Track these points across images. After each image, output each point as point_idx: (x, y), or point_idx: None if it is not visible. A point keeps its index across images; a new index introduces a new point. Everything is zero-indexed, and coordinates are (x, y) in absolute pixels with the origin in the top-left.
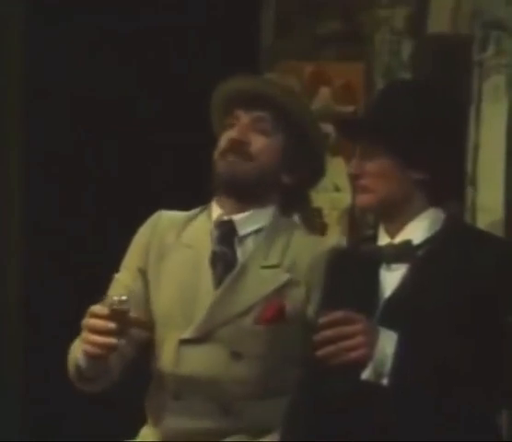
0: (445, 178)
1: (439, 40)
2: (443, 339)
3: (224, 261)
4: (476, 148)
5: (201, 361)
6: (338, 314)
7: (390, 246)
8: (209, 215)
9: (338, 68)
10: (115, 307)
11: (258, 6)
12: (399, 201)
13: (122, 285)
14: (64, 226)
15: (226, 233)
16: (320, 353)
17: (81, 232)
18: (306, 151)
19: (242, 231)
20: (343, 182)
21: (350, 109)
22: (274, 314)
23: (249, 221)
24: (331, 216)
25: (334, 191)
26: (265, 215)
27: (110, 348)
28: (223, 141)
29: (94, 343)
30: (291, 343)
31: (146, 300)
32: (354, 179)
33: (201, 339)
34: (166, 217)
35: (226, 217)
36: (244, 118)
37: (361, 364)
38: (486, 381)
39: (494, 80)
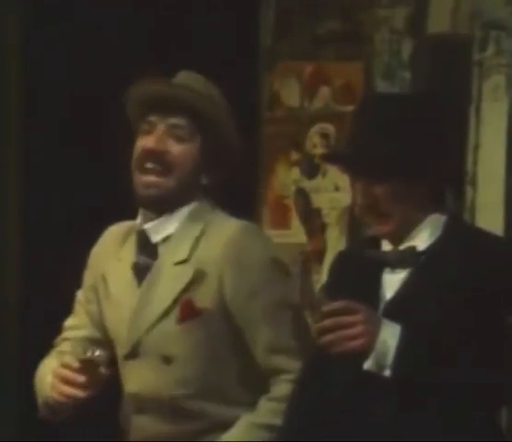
0: (443, 181)
1: (439, 40)
2: (444, 340)
3: (145, 270)
4: (476, 148)
5: (141, 372)
6: (339, 303)
7: (395, 252)
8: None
9: (338, 68)
10: (86, 357)
11: (258, 7)
12: (414, 216)
13: (82, 308)
14: (63, 226)
15: (143, 242)
16: (321, 341)
17: (81, 232)
18: (223, 150)
19: (155, 238)
20: (343, 182)
21: (350, 108)
22: (185, 311)
23: (160, 227)
24: (331, 216)
25: (334, 191)
26: (176, 217)
27: (78, 400)
28: (139, 149)
29: (62, 393)
30: (223, 338)
31: (102, 318)
32: (365, 210)
33: (135, 352)
34: (114, 231)
35: (141, 227)
36: (160, 125)
37: (361, 353)
38: (487, 381)
39: (494, 80)
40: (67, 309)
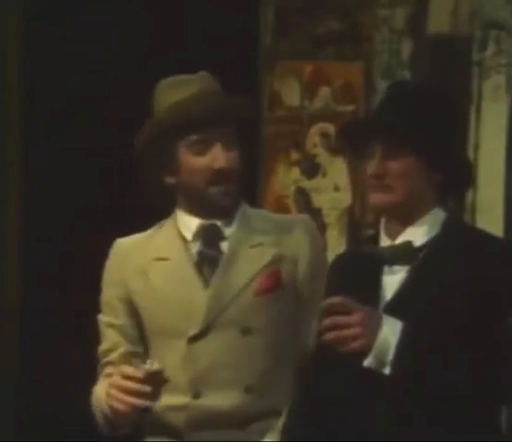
0: (454, 177)
1: (439, 40)
2: (443, 339)
3: (211, 261)
4: (476, 148)
5: (215, 348)
6: (335, 299)
7: (391, 247)
8: (174, 227)
9: (338, 68)
10: (151, 370)
11: (257, 7)
12: (415, 201)
13: (112, 328)
14: (63, 226)
15: (211, 236)
16: (322, 339)
17: (80, 235)
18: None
19: (227, 232)
20: (343, 182)
21: (350, 108)
22: (272, 281)
23: (228, 224)
24: (331, 216)
25: (334, 191)
26: (238, 216)
27: (144, 410)
28: (202, 168)
29: (127, 404)
30: (291, 316)
31: (136, 326)
32: (375, 178)
33: (209, 330)
34: (125, 243)
35: (208, 222)
36: (216, 141)
37: (360, 353)
38: (487, 381)
39: (494, 80)
40: (67, 309)
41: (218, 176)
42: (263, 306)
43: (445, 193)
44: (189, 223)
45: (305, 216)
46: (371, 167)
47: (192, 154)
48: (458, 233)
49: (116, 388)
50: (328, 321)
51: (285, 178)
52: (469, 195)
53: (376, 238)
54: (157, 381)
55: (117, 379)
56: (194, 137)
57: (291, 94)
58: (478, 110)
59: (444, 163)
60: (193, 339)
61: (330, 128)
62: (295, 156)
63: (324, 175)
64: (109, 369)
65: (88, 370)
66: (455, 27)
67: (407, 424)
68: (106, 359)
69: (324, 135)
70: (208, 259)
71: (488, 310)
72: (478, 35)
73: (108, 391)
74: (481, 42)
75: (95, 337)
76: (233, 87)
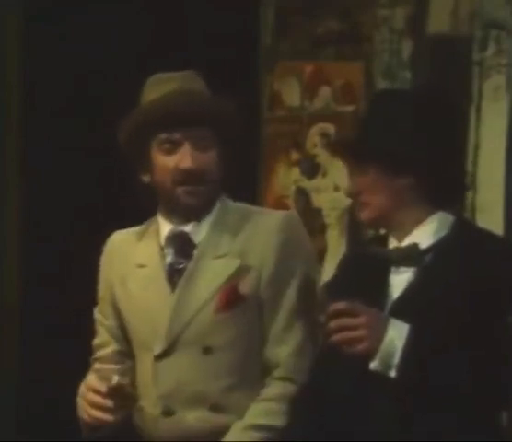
0: (443, 179)
1: (439, 40)
2: (449, 340)
3: (181, 270)
4: (476, 148)
5: (179, 367)
6: (340, 305)
7: (397, 249)
8: (156, 231)
9: (338, 68)
10: (113, 385)
11: (257, 7)
12: (395, 208)
13: (102, 326)
14: (63, 226)
15: (181, 244)
16: (329, 341)
17: (80, 235)
18: (232, 147)
19: (197, 239)
20: (343, 182)
21: (350, 108)
22: (231, 297)
23: (199, 229)
24: (331, 216)
25: (334, 192)
26: (210, 217)
27: (108, 422)
28: (169, 168)
29: (92, 417)
30: (256, 329)
31: (122, 328)
32: (353, 197)
33: (172, 349)
34: (117, 241)
35: (177, 229)
36: (185, 141)
37: (365, 356)
38: (488, 380)
39: (495, 80)
40: (67, 309)
41: (185, 176)
42: (224, 323)
43: (439, 196)
44: (164, 227)
45: (283, 213)
46: (348, 187)
47: (162, 153)
48: (465, 235)
49: (82, 399)
50: (334, 323)
51: (285, 178)
52: (469, 195)
53: (384, 238)
54: (120, 396)
55: (84, 390)
56: (164, 136)
57: (291, 94)
58: (478, 110)
59: (414, 167)
60: (159, 357)
61: (330, 128)
62: (295, 156)
63: (324, 175)
64: (97, 365)
65: (89, 370)
66: (455, 27)
67: (409, 424)
68: (97, 354)
69: (324, 135)
70: (178, 269)
71: (492, 311)
72: (478, 35)
73: (78, 400)
74: (481, 42)
75: (95, 337)
76: (233, 88)
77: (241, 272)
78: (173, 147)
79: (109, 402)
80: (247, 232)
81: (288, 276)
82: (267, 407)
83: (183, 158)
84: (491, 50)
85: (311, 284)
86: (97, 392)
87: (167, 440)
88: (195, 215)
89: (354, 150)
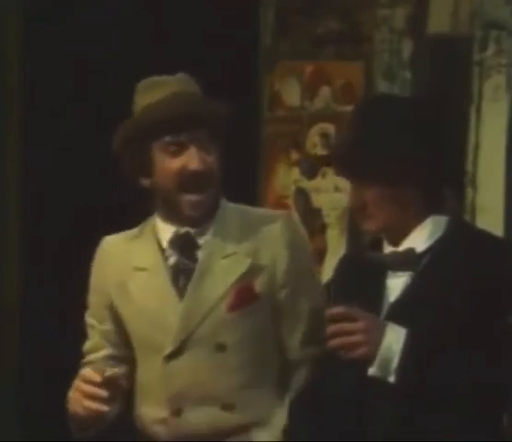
0: (438, 183)
1: (439, 40)
2: (447, 342)
3: (186, 272)
4: (476, 148)
5: (190, 366)
6: (338, 309)
7: (394, 254)
8: (154, 234)
9: (338, 68)
10: (107, 375)
11: (257, 7)
12: (398, 216)
13: (94, 331)
14: (63, 226)
15: (186, 245)
16: (328, 345)
17: (80, 235)
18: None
19: (201, 241)
20: (343, 182)
21: (350, 108)
22: (245, 295)
23: (204, 231)
24: (331, 216)
25: (334, 192)
26: (215, 219)
27: (102, 414)
28: (175, 170)
29: (87, 408)
30: (269, 329)
31: (121, 333)
32: (356, 211)
33: (183, 348)
34: (109, 246)
35: (182, 231)
36: (191, 143)
37: (364, 361)
38: (489, 382)
39: (495, 80)
40: (67, 309)
41: (192, 179)
42: (237, 321)
43: (435, 199)
44: (164, 230)
45: (284, 213)
46: (350, 200)
47: (167, 155)
48: (460, 235)
49: (76, 390)
50: (332, 328)
51: (285, 178)
52: (469, 196)
53: (379, 241)
54: (114, 387)
55: (78, 382)
56: (168, 139)
57: (291, 94)
58: (478, 110)
59: (423, 177)
60: (169, 357)
61: (330, 128)
62: (295, 156)
63: (324, 175)
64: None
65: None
66: (455, 27)
67: (410, 425)
68: (87, 358)
69: (324, 135)
70: (183, 270)
71: (491, 311)
72: (478, 35)
73: (70, 394)
74: (481, 42)
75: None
76: (233, 87)
77: (254, 270)
78: (179, 149)
79: (104, 392)
80: (252, 233)
81: (302, 275)
82: None
83: (190, 160)
84: (491, 50)
85: (321, 283)
86: (92, 383)
87: (176, 440)
88: (198, 223)
89: (354, 170)
